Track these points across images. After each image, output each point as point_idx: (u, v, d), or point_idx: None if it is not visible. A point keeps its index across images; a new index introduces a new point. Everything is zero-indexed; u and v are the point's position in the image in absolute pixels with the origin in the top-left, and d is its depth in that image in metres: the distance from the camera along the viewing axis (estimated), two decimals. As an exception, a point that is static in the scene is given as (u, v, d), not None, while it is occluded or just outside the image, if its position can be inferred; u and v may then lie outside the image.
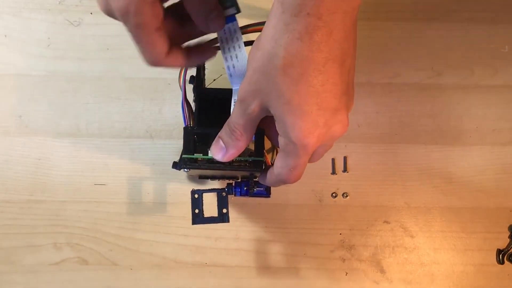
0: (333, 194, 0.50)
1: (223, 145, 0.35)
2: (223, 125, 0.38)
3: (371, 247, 0.49)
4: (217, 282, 0.48)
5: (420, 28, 0.53)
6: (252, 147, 0.41)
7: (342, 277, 0.49)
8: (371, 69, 0.52)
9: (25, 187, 0.50)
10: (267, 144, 0.46)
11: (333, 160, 0.51)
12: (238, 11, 0.36)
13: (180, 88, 0.41)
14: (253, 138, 0.39)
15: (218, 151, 0.36)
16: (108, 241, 0.49)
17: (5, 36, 0.53)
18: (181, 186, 0.50)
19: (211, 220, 0.41)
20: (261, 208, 0.49)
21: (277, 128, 0.33)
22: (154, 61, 0.33)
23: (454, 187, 0.50)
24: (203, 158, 0.40)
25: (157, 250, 0.49)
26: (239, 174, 0.44)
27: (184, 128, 0.41)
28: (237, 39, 0.37)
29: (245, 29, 0.37)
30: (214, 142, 0.36)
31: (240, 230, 0.49)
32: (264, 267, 0.49)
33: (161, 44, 0.32)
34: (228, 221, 0.42)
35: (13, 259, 0.49)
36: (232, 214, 0.49)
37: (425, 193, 0.50)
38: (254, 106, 0.32)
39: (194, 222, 0.41)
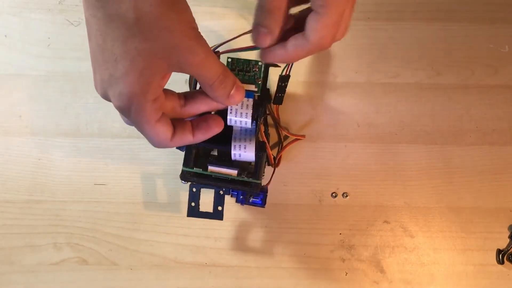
0: (333, 194, 0.50)
1: (265, 30, 0.32)
2: (223, 139, 0.38)
3: (371, 247, 0.49)
4: (217, 282, 0.48)
5: (420, 28, 0.53)
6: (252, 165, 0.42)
7: (342, 277, 0.48)
8: (371, 69, 0.52)
9: (25, 187, 0.50)
10: (273, 137, 0.46)
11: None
12: (258, 91, 0.36)
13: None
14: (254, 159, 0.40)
15: (263, 38, 0.32)
16: (108, 241, 0.49)
17: (5, 36, 0.53)
18: (181, 186, 0.50)
19: (206, 215, 0.42)
20: (261, 208, 0.49)
21: None
22: (159, 146, 0.35)
23: (454, 187, 0.50)
24: (202, 173, 0.41)
25: (157, 250, 0.49)
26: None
27: None
28: (246, 116, 0.37)
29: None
30: (253, 32, 0.33)
31: (240, 230, 0.49)
32: (264, 267, 0.49)
33: (163, 133, 0.33)
34: (221, 218, 0.42)
35: (13, 259, 0.49)
36: (232, 213, 0.49)
37: (425, 193, 0.50)
38: None
39: (189, 214, 0.42)
